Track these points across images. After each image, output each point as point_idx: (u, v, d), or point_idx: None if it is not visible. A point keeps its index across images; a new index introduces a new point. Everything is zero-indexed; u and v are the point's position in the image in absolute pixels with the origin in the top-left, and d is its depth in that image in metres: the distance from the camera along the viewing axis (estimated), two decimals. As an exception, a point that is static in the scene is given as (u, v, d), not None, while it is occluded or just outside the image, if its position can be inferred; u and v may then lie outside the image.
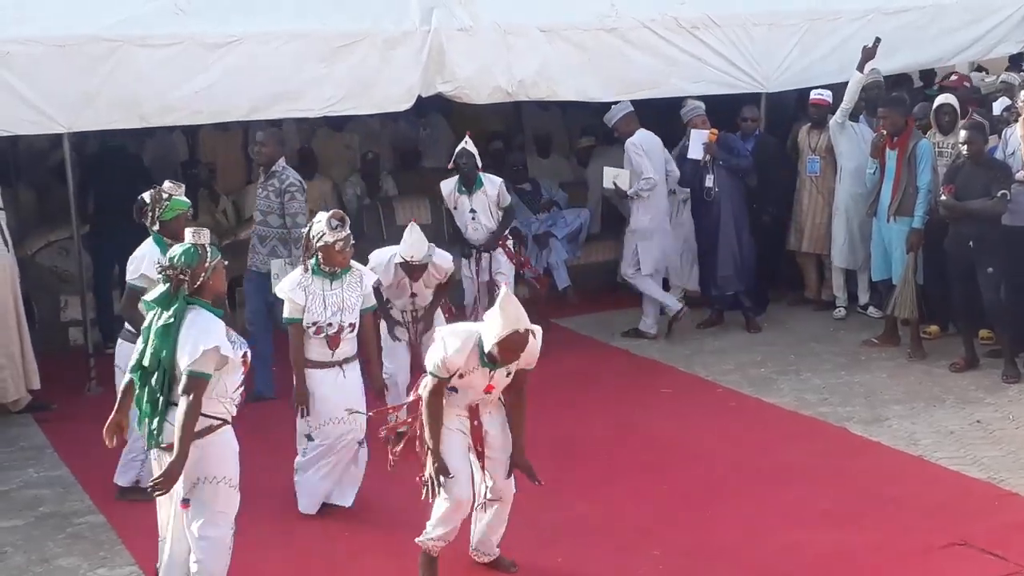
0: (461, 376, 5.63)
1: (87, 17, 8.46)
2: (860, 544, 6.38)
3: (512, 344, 5.46)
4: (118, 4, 8.56)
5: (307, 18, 9.07)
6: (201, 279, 5.30)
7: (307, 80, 9.02)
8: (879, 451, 7.72)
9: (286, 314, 6.60)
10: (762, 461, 7.59)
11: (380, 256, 7.60)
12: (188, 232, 5.41)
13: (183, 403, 5.12)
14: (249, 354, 5.46)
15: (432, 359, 5.64)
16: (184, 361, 5.16)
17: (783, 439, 8.03)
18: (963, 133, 8.94)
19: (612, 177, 9.99)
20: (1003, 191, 8.68)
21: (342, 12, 9.20)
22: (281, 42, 8.90)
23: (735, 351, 9.94)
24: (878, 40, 10.18)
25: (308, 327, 6.55)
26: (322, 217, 6.47)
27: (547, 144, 13.18)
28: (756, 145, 10.59)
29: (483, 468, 5.91)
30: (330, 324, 6.53)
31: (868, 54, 10.15)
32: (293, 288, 6.56)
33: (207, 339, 5.17)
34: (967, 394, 8.68)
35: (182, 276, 5.28)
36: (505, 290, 5.48)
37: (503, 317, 5.44)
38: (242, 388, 5.43)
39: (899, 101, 9.89)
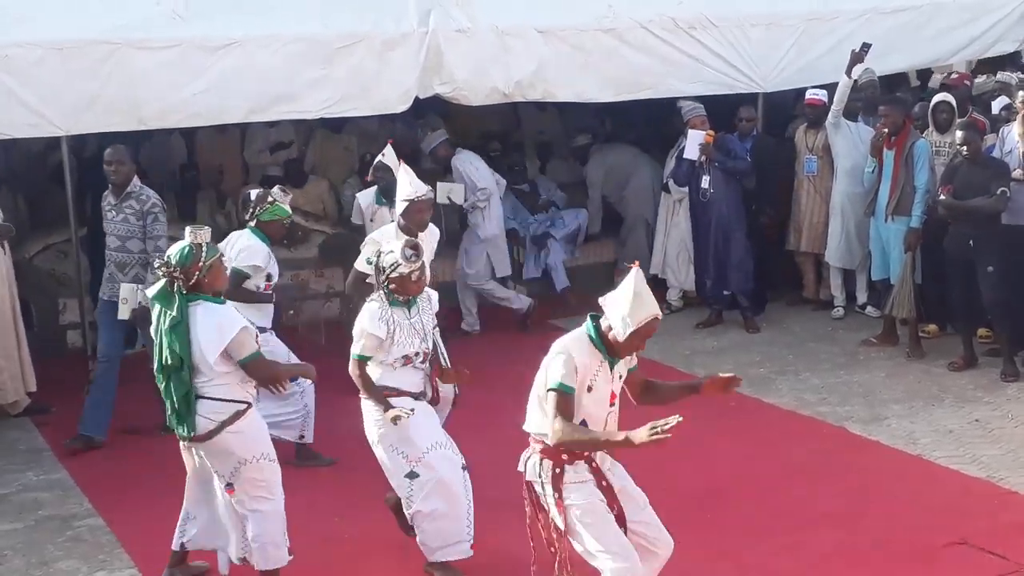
0: (589, 389, 4.95)
1: (86, 20, 8.46)
2: (860, 543, 6.38)
3: (648, 331, 4.95)
4: (117, 7, 8.58)
5: (305, 20, 9.08)
6: (196, 277, 5.55)
7: (305, 82, 9.03)
8: (878, 450, 7.73)
9: (360, 351, 5.93)
10: (761, 461, 7.60)
11: (381, 234, 7.42)
12: (187, 230, 5.63)
13: (264, 376, 5.72)
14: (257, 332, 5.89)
15: (555, 375, 4.88)
16: (213, 353, 5.52)
17: (782, 439, 8.03)
18: (959, 134, 8.94)
19: (446, 192, 9.89)
20: (1003, 188, 8.69)
21: (340, 14, 9.21)
22: (279, 44, 8.90)
23: (734, 351, 9.95)
24: (866, 45, 10.19)
25: (395, 360, 5.97)
26: (395, 247, 5.97)
27: (547, 153, 13.18)
28: (754, 145, 10.60)
29: (625, 531, 5.10)
30: (417, 353, 6.03)
31: (856, 58, 10.17)
32: (374, 323, 5.92)
33: (232, 325, 5.58)
34: (966, 393, 8.68)
35: (175, 274, 5.53)
36: (635, 269, 4.92)
37: (640, 300, 4.86)
38: None
39: (899, 100, 9.91)
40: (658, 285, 11.33)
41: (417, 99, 9.52)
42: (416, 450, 5.92)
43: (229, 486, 5.70)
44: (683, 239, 10.95)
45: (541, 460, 5.04)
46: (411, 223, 7.47)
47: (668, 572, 5.48)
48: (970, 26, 11.62)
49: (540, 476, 5.05)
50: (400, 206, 7.53)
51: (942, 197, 8.92)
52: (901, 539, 6.38)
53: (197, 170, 11.96)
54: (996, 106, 10.29)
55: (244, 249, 7.42)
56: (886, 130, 9.54)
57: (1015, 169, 8.96)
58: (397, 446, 5.94)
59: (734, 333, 10.44)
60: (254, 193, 7.57)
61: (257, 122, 11.28)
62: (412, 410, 5.91)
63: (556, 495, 4.99)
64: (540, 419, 4.99)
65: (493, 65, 9.60)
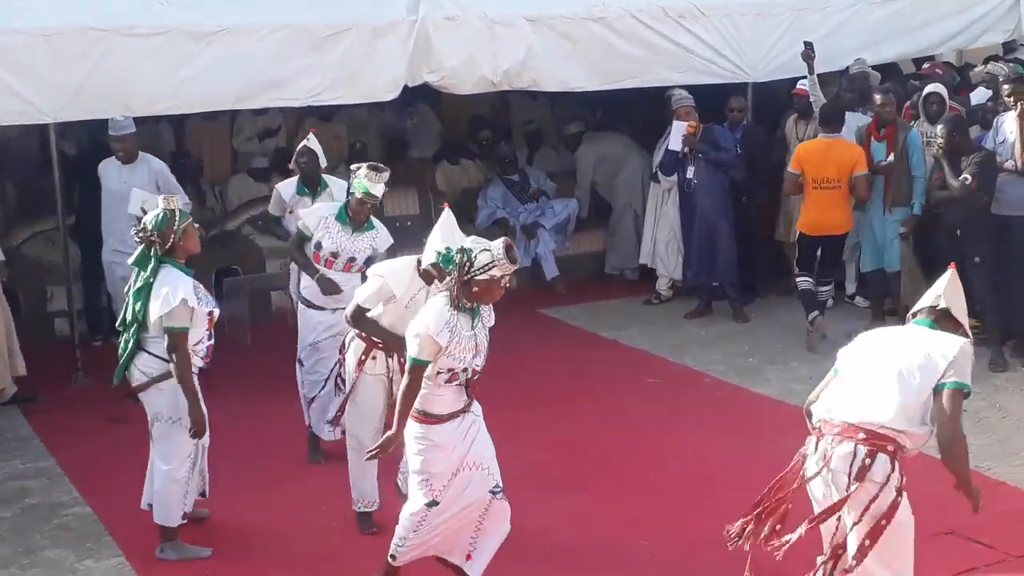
0: None
1: (73, 7, 8.45)
2: (848, 533, 6.38)
3: None
4: (103, -6, 8.55)
5: (293, 8, 9.07)
6: (172, 240, 6.00)
7: (293, 70, 9.01)
8: (866, 440, 7.72)
9: (418, 354, 5.19)
10: (750, 451, 7.59)
11: (393, 265, 6.28)
12: (160, 198, 6.16)
13: (175, 360, 5.87)
14: (216, 313, 6.16)
15: (962, 373, 4.71)
16: (155, 315, 5.89)
17: (771, 429, 8.01)
18: (939, 128, 9.03)
19: (140, 202, 8.56)
20: (965, 176, 8.71)
21: (328, 2, 9.18)
22: (267, 32, 8.88)
23: (723, 341, 9.95)
24: (807, 43, 10.24)
25: (439, 373, 5.25)
26: (489, 245, 5.23)
27: (537, 142, 13.17)
28: (744, 136, 10.59)
29: None
30: (466, 370, 5.30)
31: (805, 57, 10.22)
32: (440, 328, 5.18)
33: (175, 295, 5.86)
34: (954, 383, 8.67)
35: (152, 238, 5.98)
36: None
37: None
38: (209, 343, 6.13)
39: (894, 90, 9.88)
40: (647, 275, 11.36)
41: (407, 87, 9.49)
42: (440, 480, 5.38)
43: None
44: (672, 229, 10.95)
45: (893, 463, 4.73)
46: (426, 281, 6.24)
47: (660, 562, 5.51)
48: (959, 16, 11.66)
49: (889, 480, 4.71)
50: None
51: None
52: (889, 529, 6.37)
53: (187, 157, 11.92)
54: (976, 97, 10.29)
55: (312, 210, 7.47)
56: (883, 116, 9.45)
57: (1007, 160, 8.98)
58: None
59: (723, 323, 10.44)
60: (354, 166, 7.21)
61: (245, 110, 11.28)
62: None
63: (891, 504, 4.71)
64: (908, 415, 4.69)
65: (482, 53, 9.58)
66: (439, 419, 5.31)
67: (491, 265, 5.16)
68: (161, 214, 6.04)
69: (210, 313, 6.11)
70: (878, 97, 9.65)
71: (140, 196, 8.50)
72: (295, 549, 6.38)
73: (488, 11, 9.58)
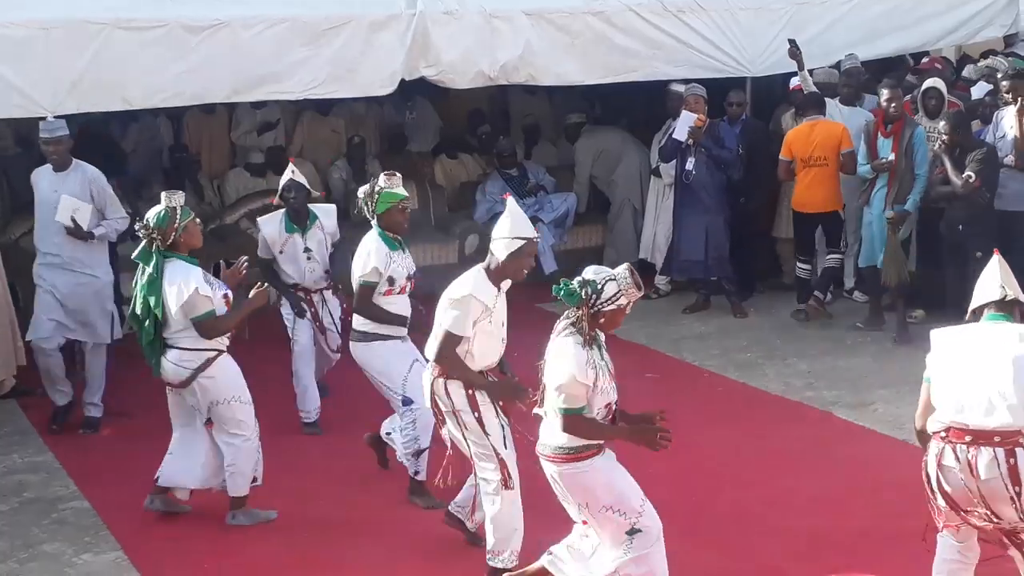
0: None
1: (71, 0, 8.40)
2: (847, 528, 6.40)
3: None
4: (102, -13, 8.53)
5: (291, 1, 9.05)
6: (173, 237, 6.23)
7: (290, 63, 8.98)
8: (865, 435, 7.74)
9: (570, 404, 5.03)
10: (748, 446, 7.60)
11: (467, 280, 5.71)
12: (163, 195, 6.31)
13: (212, 342, 6.27)
14: (231, 295, 6.36)
15: None
16: (174, 308, 6.17)
17: (769, 424, 8.04)
18: (942, 124, 9.03)
19: (71, 210, 7.94)
20: (968, 174, 8.70)
21: (326, -5, 9.18)
22: (265, 25, 8.85)
23: (721, 336, 9.95)
24: (791, 41, 10.27)
25: (597, 412, 5.16)
26: (613, 273, 5.14)
27: (535, 136, 13.16)
28: (743, 130, 10.59)
29: None
30: (611, 403, 5.23)
31: (792, 55, 10.26)
32: (583, 368, 5.00)
33: (188, 286, 6.13)
34: (952, 378, 8.68)
35: (154, 235, 6.21)
36: None
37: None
38: None
39: (898, 86, 9.85)
40: (646, 269, 11.35)
41: (404, 81, 9.48)
42: (629, 503, 5.22)
43: (208, 421, 6.49)
44: (671, 224, 10.93)
45: None
46: (513, 269, 5.83)
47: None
48: (958, 11, 11.65)
49: None
50: (510, 244, 5.77)
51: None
52: (887, 523, 6.38)
53: (186, 151, 11.91)
54: (976, 92, 10.28)
55: (365, 255, 6.62)
56: (891, 111, 9.38)
57: (1007, 156, 8.97)
58: (613, 506, 5.19)
59: (721, 318, 10.44)
60: (362, 190, 6.72)
61: (244, 103, 11.26)
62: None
63: None
64: None
65: (480, 48, 9.56)
66: (599, 448, 5.21)
67: (618, 295, 5.07)
68: (163, 211, 6.23)
69: (225, 295, 6.32)
70: (885, 92, 9.53)
71: (70, 204, 7.89)
72: (295, 540, 6.39)
73: (486, 5, 9.56)
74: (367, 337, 6.69)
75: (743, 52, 10.72)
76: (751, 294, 10.90)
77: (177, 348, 6.31)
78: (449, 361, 5.61)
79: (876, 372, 8.91)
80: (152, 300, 6.20)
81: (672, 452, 7.40)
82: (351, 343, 6.81)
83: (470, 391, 5.66)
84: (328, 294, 8.02)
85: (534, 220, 11.48)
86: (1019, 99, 9.02)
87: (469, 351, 5.65)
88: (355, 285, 6.61)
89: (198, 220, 6.44)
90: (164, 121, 12.01)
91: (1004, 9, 11.84)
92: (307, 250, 7.86)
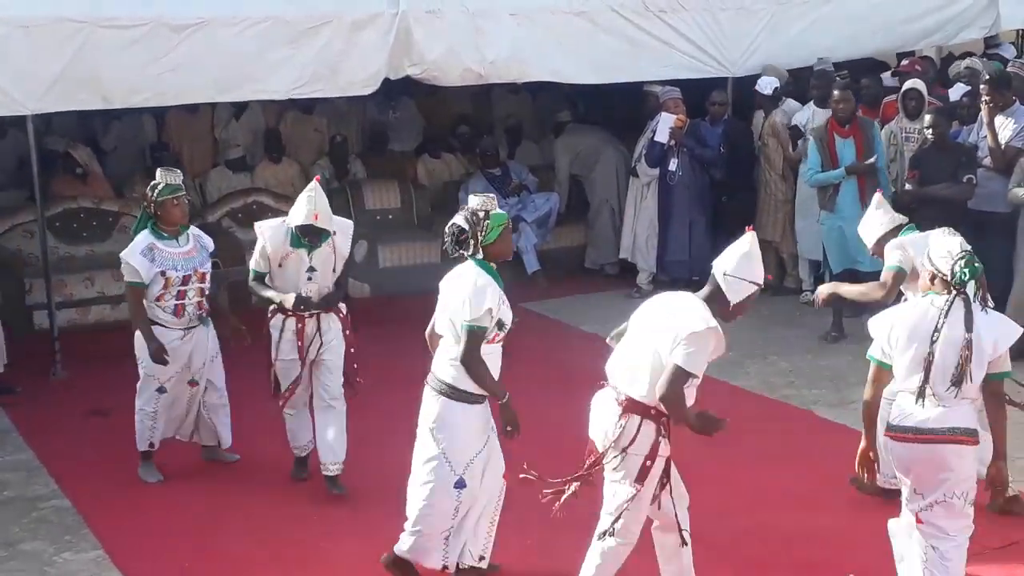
0: None
1: (52, -2, 8.40)
2: (825, 525, 6.43)
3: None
4: (83, -16, 8.51)
5: (274, 0, 9.03)
6: (152, 209, 6.72)
7: (273, 62, 8.98)
8: (845, 433, 7.74)
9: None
10: (729, 443, 7.57)
11: (704, 316, 5.40)
12: (159, 172, 6.83)
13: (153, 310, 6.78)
14: (171, 275, 6.67)
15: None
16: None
17: (750, 422, 8.03)
18: (928, 117, 9.01)
19: None
20: (969, 176, 8.73)
21: (309, -6, 9.17)
22: (247, 24, 8.85)
23: (703, 334, 9.94)
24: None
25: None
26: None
27: (518, 136, 13.17)
28: (725, 130, 10.62)
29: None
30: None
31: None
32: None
33: (126, 253, 6.70)
34: (932, 377, 8.70)
35: (144, 203, 6.84)
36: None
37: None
38: (178, 303, 6.78)
39: (850, 86, 9.85)
40: (627, 269, 11.38)
41: (388, 80, 9.49)
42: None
43: (193, 381, 7.03)
44: (652, 223, 10.97)
45: None
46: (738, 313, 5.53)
47: (639, 554, 5.51)
48: (938, 13, 11.68)
49: None
50: (744, 288, 5.48)
51: (908, 186, 8.95)
52: (865, 520, 6.40)
53: (167, 150, 11.89)
54: (954, 93, 10.32)
55: (471, 296, 5.38)
56: (841, 115, 9.39)
57: (984, 157, 9.00)
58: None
59: (703, 317, 10.43)
60: (462, 221, 5.43)
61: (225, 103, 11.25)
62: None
63: None
64: None
65: (465, 46, 9.56)
66: None
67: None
68: (155, 182, 6.77)
69: (162, 273, 6.67)
70: (836, 93, 9.54)
71: None
72: (276, 537, 6.39)
73: (469, 4, 9.56)
74: (456, 395, 5.52)
75: (725, 53, 10.75)
76: (733, 293, 10.90)
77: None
78: (676, 401, 5.27)
79: (856, 371, 8.89)
80: None
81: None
82: (431, 390, 5.58)
83: (659, 438, 5.37)
84: (331, 317, 6.75)
85: (517, 219, 11.55)
86: (988, 112, 9.00)
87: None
88: (460, 330, 5.41)
89: (179, 200, 6.77)
90: (148, 118, 11.99)
91: (984, 11, 11.89)
92: (311, 269, 6.63)
